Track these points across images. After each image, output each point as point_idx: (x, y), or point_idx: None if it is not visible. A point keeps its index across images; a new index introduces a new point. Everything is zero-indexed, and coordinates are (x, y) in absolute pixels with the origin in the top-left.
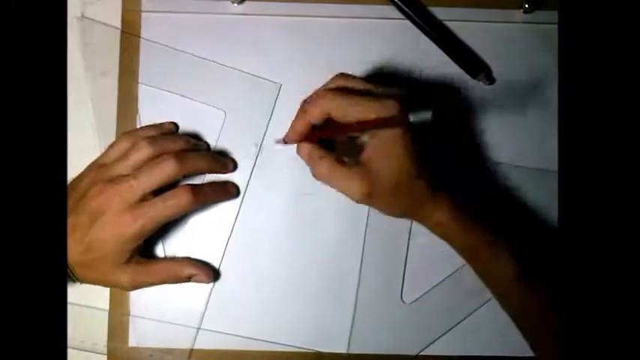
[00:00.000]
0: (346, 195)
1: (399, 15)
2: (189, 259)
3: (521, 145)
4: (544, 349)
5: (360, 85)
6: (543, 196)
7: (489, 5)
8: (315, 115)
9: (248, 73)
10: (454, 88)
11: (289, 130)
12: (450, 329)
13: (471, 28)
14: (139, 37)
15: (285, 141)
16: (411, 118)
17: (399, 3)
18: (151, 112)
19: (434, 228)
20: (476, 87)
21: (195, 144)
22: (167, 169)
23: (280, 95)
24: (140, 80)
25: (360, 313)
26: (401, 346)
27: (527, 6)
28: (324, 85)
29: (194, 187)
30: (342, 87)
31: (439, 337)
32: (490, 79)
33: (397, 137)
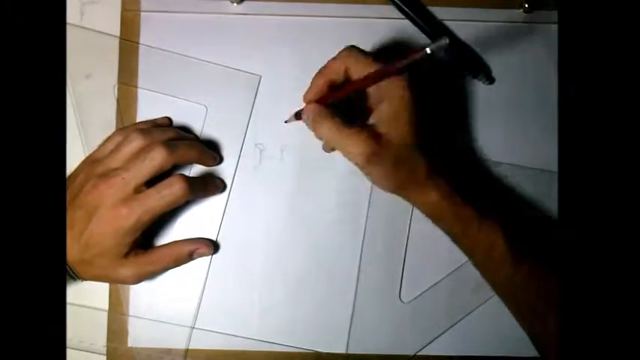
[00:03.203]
0: (348, 157)
1: (399, 15)
2: (184, 239)
3: (521, 145)
4: (539, 331)
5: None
6: (543, 196)
7: (489, 5)
8: (336, 69)
9: (226, 67)
10: (454, 87)
11: (308, 89)
12: (449, 328)
13: (471, 28)
14: (119, 37)
15: (296, 114)
16: (428, 50)
17: (399, 3)
18: (130, 111)
19: (423, 206)
20: (476, 87)
21: (184, 135)
22: (157, 157)
23: (280, 95)
24: (120, 80)
25: (358, 312)
26: (400, 345)
27: (527, 6)
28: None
29: (187, 177)
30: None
31: (438, 337)
32: (490, 79)
33: (405, 105)
